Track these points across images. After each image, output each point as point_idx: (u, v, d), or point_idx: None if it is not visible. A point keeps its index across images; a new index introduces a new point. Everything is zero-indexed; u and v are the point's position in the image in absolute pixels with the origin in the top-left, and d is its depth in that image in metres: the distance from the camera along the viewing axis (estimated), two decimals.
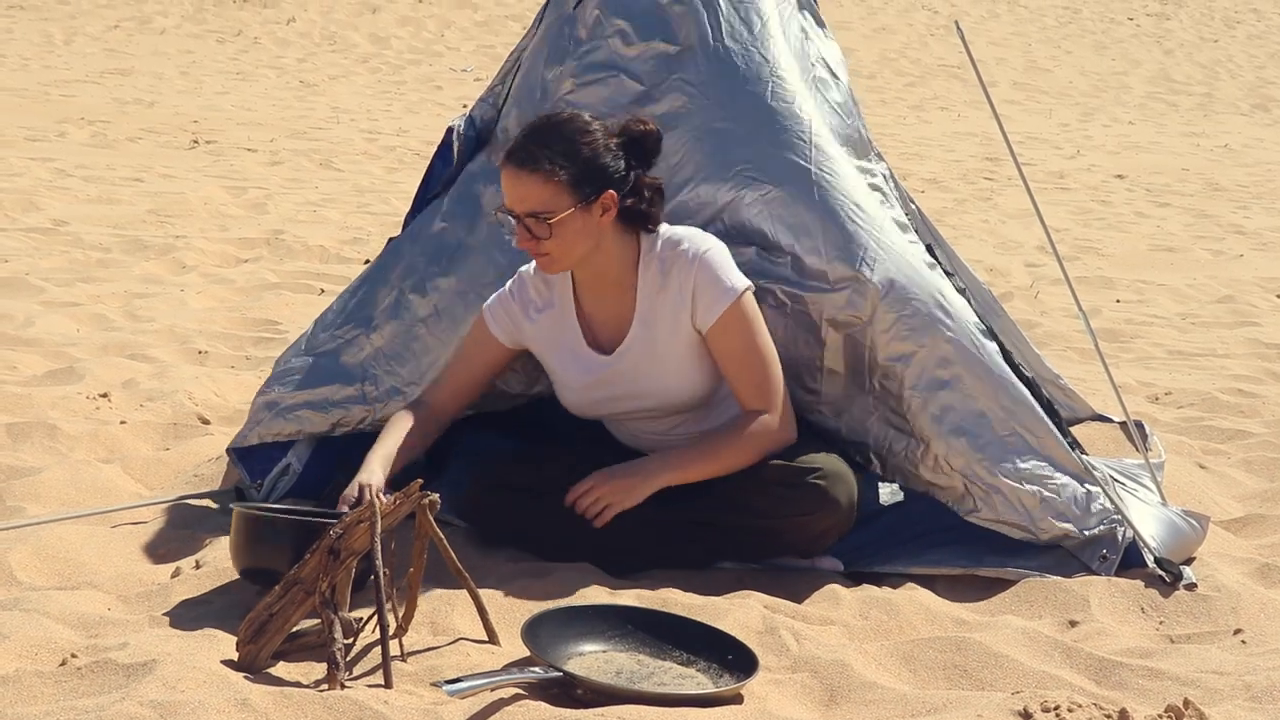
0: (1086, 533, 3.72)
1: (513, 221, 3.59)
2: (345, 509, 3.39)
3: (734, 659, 3.12)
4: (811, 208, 3.84)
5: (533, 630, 3.11)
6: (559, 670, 3.00)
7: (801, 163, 3.88)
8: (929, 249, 4.02)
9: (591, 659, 3.13)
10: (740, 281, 3.63)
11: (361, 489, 3.47)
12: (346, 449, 4.09)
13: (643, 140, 3.62)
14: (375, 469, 3.55)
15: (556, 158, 3.52)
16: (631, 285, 3.67)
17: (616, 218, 3.60)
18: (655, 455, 3.65)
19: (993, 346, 3.91)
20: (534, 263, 3.73)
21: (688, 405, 3.73)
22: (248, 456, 4.10)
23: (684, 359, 3.67)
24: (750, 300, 3.64)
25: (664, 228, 3.69)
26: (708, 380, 3.71)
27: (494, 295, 3.81)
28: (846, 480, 3.66)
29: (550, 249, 3.56)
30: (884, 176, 4.12)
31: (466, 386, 3.81)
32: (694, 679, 3.10)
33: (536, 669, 3.01)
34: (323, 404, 4.03)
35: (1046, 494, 3.71)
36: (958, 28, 4.19)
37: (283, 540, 3.30)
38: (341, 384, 4.04)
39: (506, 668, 3.08)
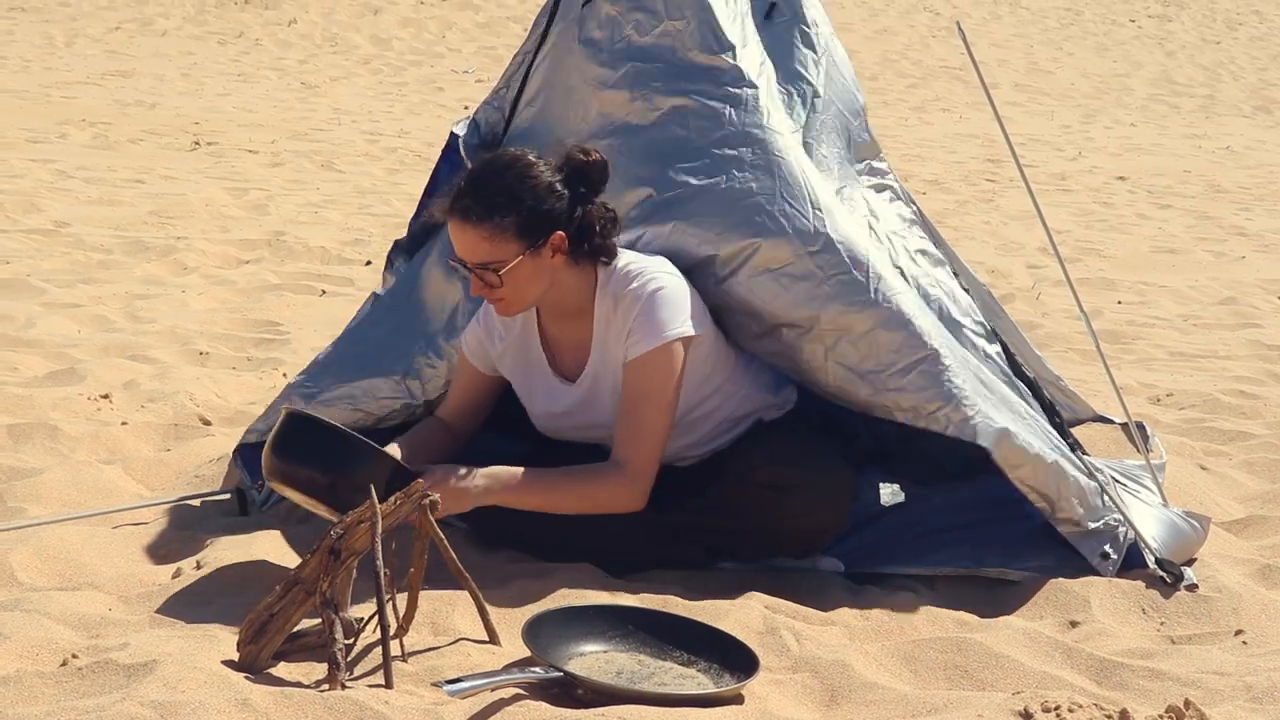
0: (1091, 524, 3.72)
1: (464, 270, 3.55)
2: None
3: (735, 659, 3.12)
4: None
5: (533, 630, 3.11)
6: (559, 670, 3.00)
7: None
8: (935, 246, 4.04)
9: (592, 659, 3.13)
10: (676, 329, 3.53)
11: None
12: None
13: (587, 171, 3.55)
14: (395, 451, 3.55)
15: (501, 207, 3.46)
16: (589, 314, 3.63)
17: (569, 254, 3.56)
18: (501, 470, 3.48)
19: (995, 348, 3.92)
20: None
21: None
22: (250, 458, 4.09)
23: None
24: (676, 351, 3.53)
25: (625, 256, 3.62)
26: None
27: (468, 326, 3.80)
28: (838, 482, 3.66)
29: (504, 295, 3.53)
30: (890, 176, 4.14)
31: (468, 409, 3.80)
32: (695, 679, 3.10)
33: (537, 669, 3.01)
34: (360, 397, 4.00)
35: (1069, 473, 3.70)
36: (959, 29, 4.19)
37: (319, 454, 3.31)
38: (380, 377, 4.00)
39: (507, 668, 3.08)
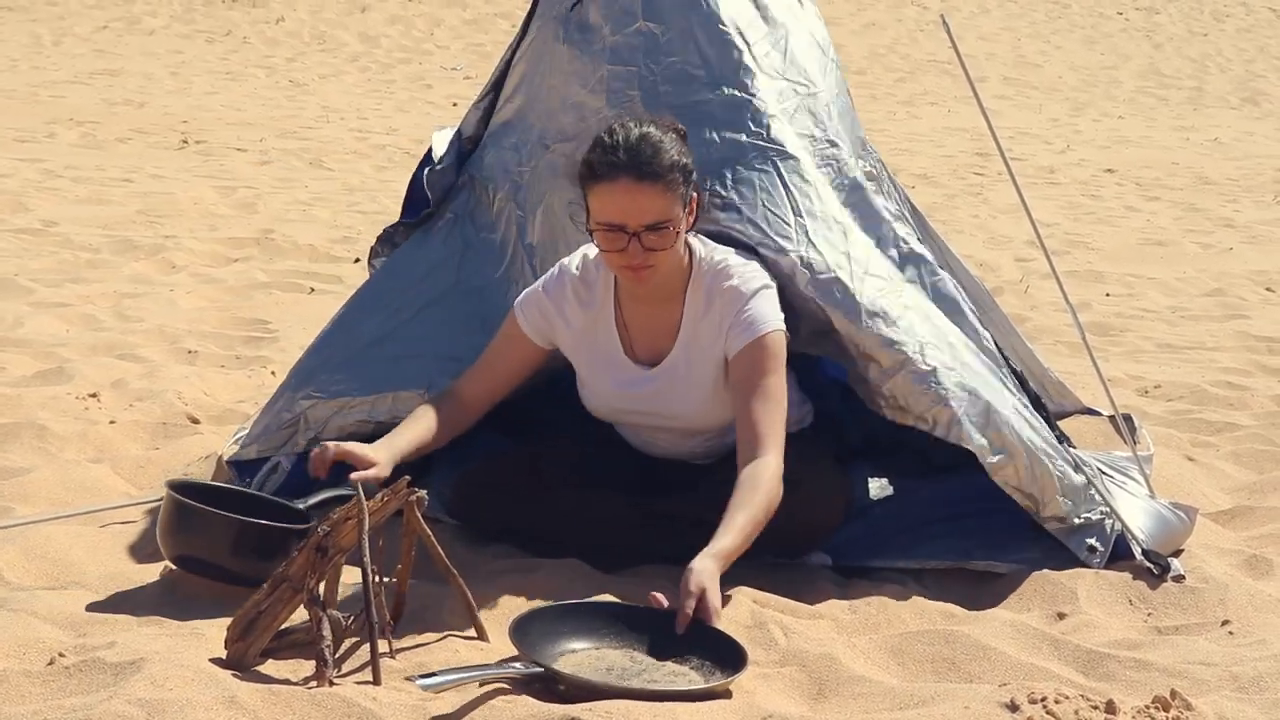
0: (1077, 519, 3.73)
1: (620, 238, 3.45)
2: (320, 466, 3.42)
3: (725, 654, 3.12)
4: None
5: (522, 627, 3.10)
6: (540, 666, 2.99)
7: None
8: (919, 242, 4.04)
9: (584, 655, 3.13)
10: (773, 322, 3.57)
11: (352, 462, 3.38)
12: None
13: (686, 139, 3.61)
14: (381, 456, 3.44)
15: (673, 165, 3.46)
16: (678, 301, 3.61)
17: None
18: (722, 543, 3.31)
19: (986, 335, 3.93)
20: (575, 258, 3.67)
21: (711, 430, 3.72)
22: (242, 464, 4.07)
23: (716, 385, 3.64)
24: (777, 341, 3.56)
25: (712, 250, 3.62)
26: (728, 411, 3.69)
27: (526, 294, 3.72)
28: (839, 483, 3.67)
29: (658, 260, 3.50)
30: (879, 165, 4.14)
31: (498, 382, 3.71)
32: (685, 676, 3.09)
33: (518, 664, 3.00)
34: (387, 410, 3.93)
35: (1055, 469, 3.71)
36: (944, 23, 4.18)
37: (210, 532, 3.40)
38: (405, 389, 3.93)
39: (483, 665, 3.07)
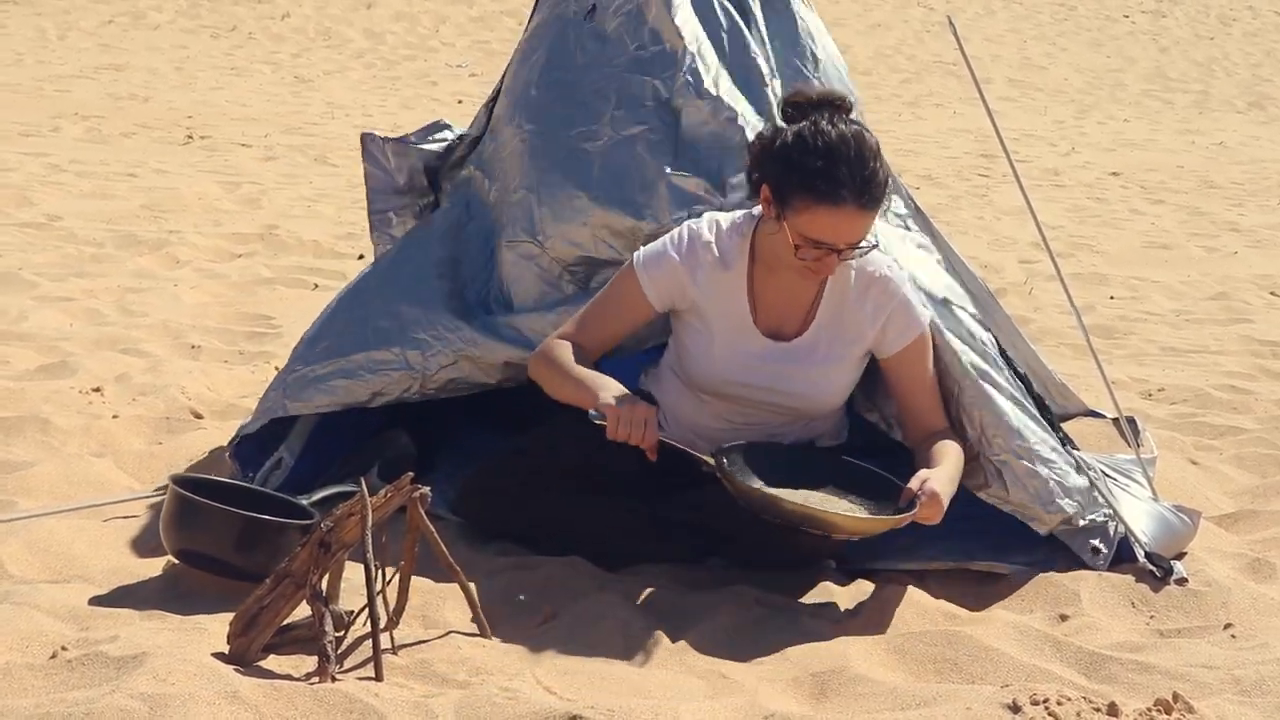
0: (1081, 522, 3.73)
1: (823, 252, 3.47)
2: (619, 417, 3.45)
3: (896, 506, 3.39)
4: None
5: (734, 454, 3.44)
6: (712, 460, 3.36)
7: None
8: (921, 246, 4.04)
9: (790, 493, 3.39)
10: (926, 315, 3.65)
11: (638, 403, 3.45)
12: (341, 444, 4.09)
13: None
14: (619, 387, 3.50)
15: (886, 182, 3.51)
16: (817, 283, 3.61)
17: None
18: (944, 471, 3.50)
19: (988, 336, 3.93)
20: (704, 226, 3.63)
21: (820, 414, 3.72)
22: (246, 451, 4.08)
23: (847, 371, 3.67)
24: (929, 332, 3.67)
25: None
26: (846, 396, 3.74)
27: (650, 255, 3.64)
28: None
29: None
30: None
31: (608, 340, 3.69)
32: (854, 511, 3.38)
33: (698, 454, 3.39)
34: (356, 370, 3.94)
35: (1053, 479, 3.70)
36: (951, 24, 4.18)
37: (213, 527, 3.41)
38: (377, 349, 3.95)
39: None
